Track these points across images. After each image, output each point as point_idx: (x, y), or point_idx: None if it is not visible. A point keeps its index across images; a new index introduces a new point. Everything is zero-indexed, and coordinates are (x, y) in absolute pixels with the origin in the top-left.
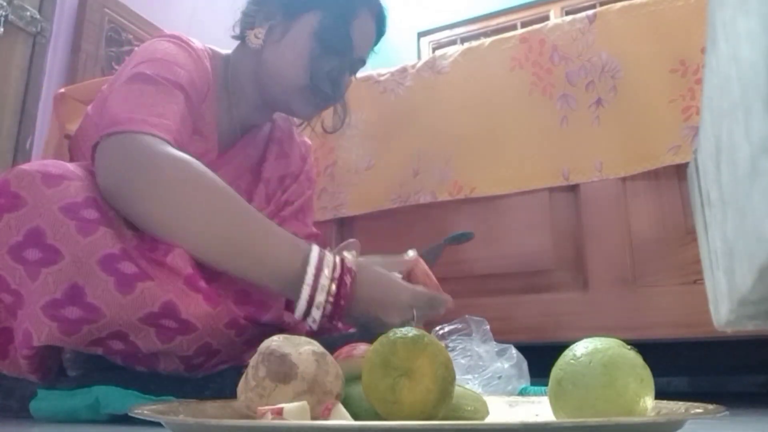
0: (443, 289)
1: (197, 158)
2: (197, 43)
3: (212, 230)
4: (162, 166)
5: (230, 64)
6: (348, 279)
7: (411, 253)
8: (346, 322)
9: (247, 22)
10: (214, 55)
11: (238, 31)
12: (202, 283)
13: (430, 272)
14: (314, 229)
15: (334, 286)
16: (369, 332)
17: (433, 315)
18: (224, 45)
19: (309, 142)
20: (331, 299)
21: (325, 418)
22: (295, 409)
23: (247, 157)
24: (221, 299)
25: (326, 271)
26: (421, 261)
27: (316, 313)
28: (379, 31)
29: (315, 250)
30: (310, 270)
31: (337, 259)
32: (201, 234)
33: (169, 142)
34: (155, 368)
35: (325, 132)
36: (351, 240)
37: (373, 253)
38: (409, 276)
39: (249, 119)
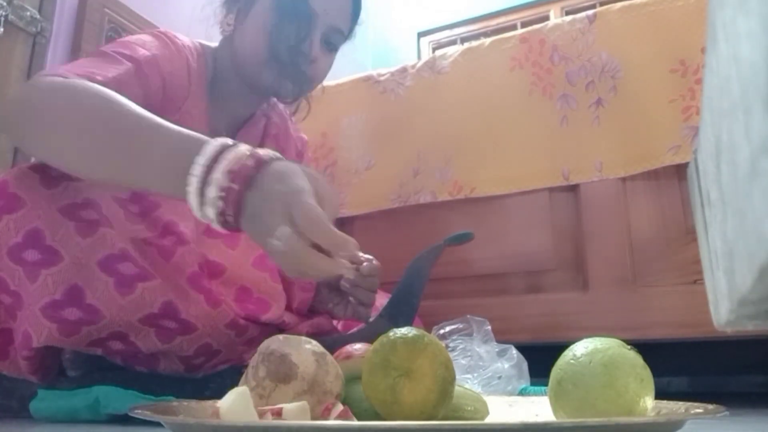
0: (443, 289)
1: None
2: (184, 39)
3: (86, 138)
4: (46, 91)
5: (217, 58)
6: (251, 161)
7: None
8: (241, 222)
9: (223, 11)
10: (203, 51)
11: (218, 23)
12: (205, 282)
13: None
14: None
15: (228, 178)
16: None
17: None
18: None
19: (305, 137)
20: (221, 203)
21: (325, 418)
22: (295, 409)
23: None
24: (222, 299)
25: (226, 159)
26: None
27: (209, 212)
28: (355, 3)
29: (216, 140)
30: (201, 161)
31: (246, 149)
32: (74, 144)
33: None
34: (155, 368)
35: (279, 101)
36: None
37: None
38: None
39: (239, 112)
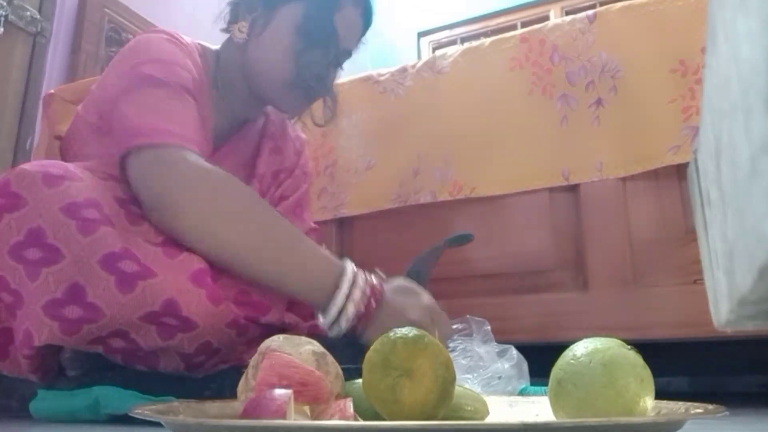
0: (443, 289)
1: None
2: (187, 39)
3: (252, 243)
4: (198, 180)
5: (220, 60)
6: (376, 298)
7: None
8: (366, 335)
9: (232, 15)
10: (204, 51)
11: (224, 24)
12: (209, 280)
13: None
14: (313, 224)
15: (362, 307)
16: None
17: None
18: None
19: (303, 136)
20: (356, 319)
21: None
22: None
23: (241, 153)
24: (223, 297)
25: (360, 283)
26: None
27: (344, 323)
28: (366, 21)
29: (349, 264)
30: (346, 281)
31: (369, 276)
32: (243, 248)
33: (195, 152)
34: (155, 367)
35: (315, 125)
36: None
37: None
38: None
39: (240, 114)
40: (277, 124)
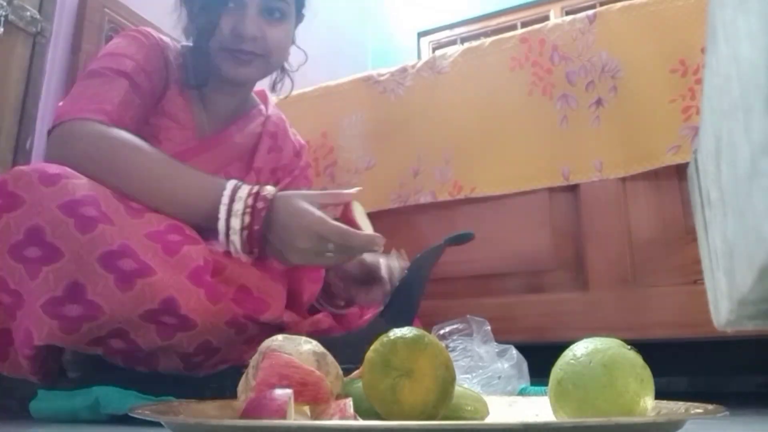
0: (443, 289)
1: (174, 144)
2: (162, 37)
3: (132, 182)
4: (90, 144)
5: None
6: (261, 204)
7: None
8: (265, 255)
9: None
10: (182, 50)
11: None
12: (208, 278)
13: (365, 217)
14: None
15: (247, 218)
16: (284, 263)
17: (350, 253)
18: None
19: (304, 143)
20: (245, 232)
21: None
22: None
23: (236, 146)
24: (222, 296)
25: (239, 202)
26: (359, 205)
27: (236, 240)
28: None
29: (231, 183)
30: (223, 202)
31: (253, 188)
32: (126, 187)
33: (102, 122)
34: (155, 368)
35: (272, 90)
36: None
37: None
38: (343, 216)
39: (226, 104)
40: (278, 126)
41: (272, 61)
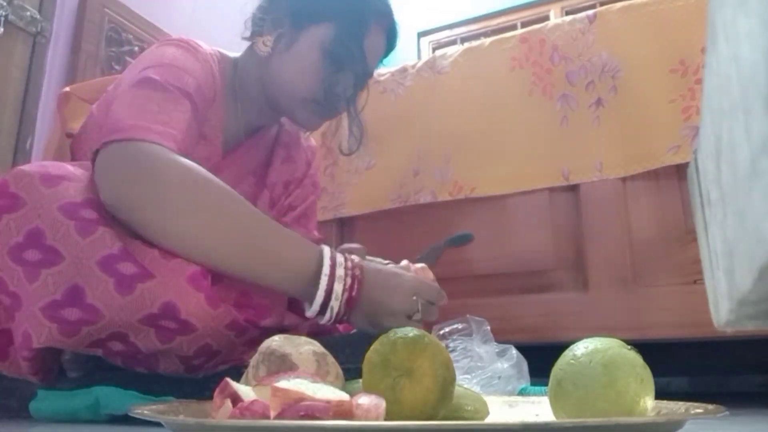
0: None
1: (201, 162)
2: (205, 47)
3: (223, 236)
4: (166, 173)
5: (238, 68)
6: (359, 274)
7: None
8: (351, 321)
9: (256, 27)
10: (222, 59)
11: (248, 34)
12: (206, 282)
13: (433, 278)
14: (317, 234)
15: (348, 281)
16: (374, 326)
17: (435, 309)
18: (224, 45)
19: (314, 145)
20: (345, 295)
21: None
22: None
23: (252, 160)
24: (222, 300)
25: (340, 268)
26: (428, 269)
27: (333, 310)
28: (389, 45)
29: (327, 248)
30: (326, 267)
31: (348, 256)
32: (212, 241)
33: (172, 150)
34: (155, 370)
35: (342, 153)
36: (356, 246)
37: (372, 253)
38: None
39: (254, 121)
40: (291, 134)
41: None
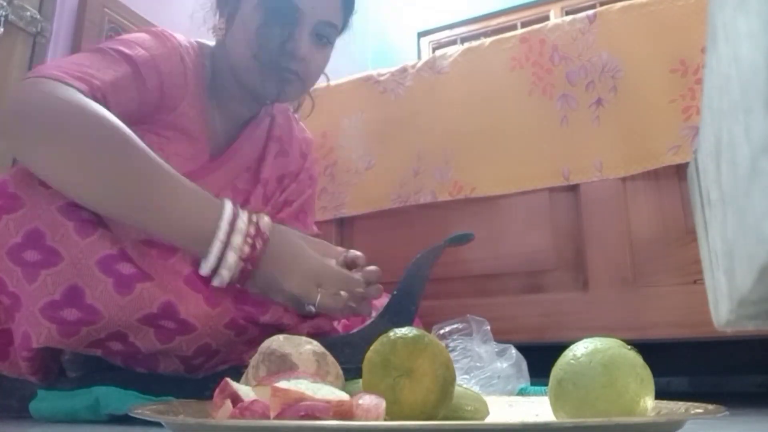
0: (443, 289)
1: (183, 160)
2: (180, 38)
3: (102, 175)
4: (54, 104)
5: (214, 59)
6: (260, 242)
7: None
8: (248, 284)
9: (212, 15)
10: (200, 51)
11: (210, 25)
12: (203, 283)
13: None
14: (315, 229)
15: (246, 247)
16: (267, 296)
17: (365, 303)
18: None
19: (310, 137)
20: (246, 250)
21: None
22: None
23: (244, 156)
24: (221, 300)
25: (241, 221)
26: (360, 258)
27: (225, 274)
28: None
29: (228, 206)
30: (223, 226)
31: (252, 217)
32: (89, 179)
33: (82, 92)
34: (155, 369)
35: (281, 102)
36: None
37: (372, 253)
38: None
39: (239, 114)
40: (283, 127)
41: (307, 86)
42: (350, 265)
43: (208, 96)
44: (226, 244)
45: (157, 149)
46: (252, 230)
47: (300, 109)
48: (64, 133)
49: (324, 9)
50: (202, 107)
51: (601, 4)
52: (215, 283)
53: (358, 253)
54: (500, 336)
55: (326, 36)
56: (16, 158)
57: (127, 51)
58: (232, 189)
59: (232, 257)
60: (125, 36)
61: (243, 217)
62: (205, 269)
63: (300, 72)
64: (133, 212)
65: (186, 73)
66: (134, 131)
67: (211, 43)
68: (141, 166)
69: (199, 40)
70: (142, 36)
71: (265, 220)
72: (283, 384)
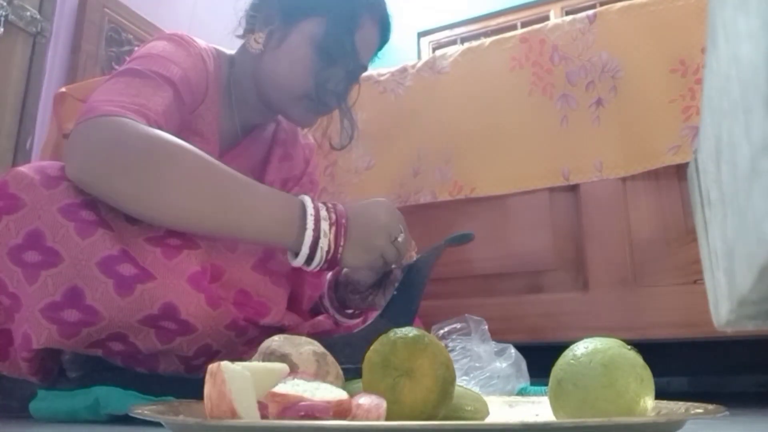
0: (443, 289)
1: None
2: (200, 42)
3: (195, 195)
4: (132, 141)
5: (233, 66)
6: (343, 221)
7: None
8: (343, 259)
9: (249, 24)
10: (218, 55)
11: (241, 32)
12: (205, 283)
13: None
14: None
15: (333, 230)
16: (366, 268)
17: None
18: (224, 45)
19: (313, 142)
20: (333, 231)
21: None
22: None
23: (250, 158)
24: (222, 301)
25: (324, 215)
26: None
27: (319, 258)
28: (383, 37)
29: (308, 200)
30: (310, 216)
31: (329, 205)
32: (184, 202)
33: (142, 122)
34: (155, 370)
35: (332, 148)
36: None
37: None
38: None
39: (250, 120)
40: (288, 131)
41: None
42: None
43: (223, 101)
44: (318, 233)
45: None
46: (333, 216)
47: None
48: (154, 168)
49: (367, 55)
50: (217, 111)
51: (601, 4)
52: (311, 266)
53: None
54: (500, 336)
55: (358, 76)
56: (105, 198)
57: (166, 73)
58: None
59: (324, 243)
60: (153, 50)
61: (323, 208)
62: (299, 260)
63: (332, 106)
64: (228, 225)
65: (207, 77)
66: None
67: (226, 50)
68: (225, 181)
69: (216, 46)
70: (168, 48)
71: (340, 206)
72: (280, 388)
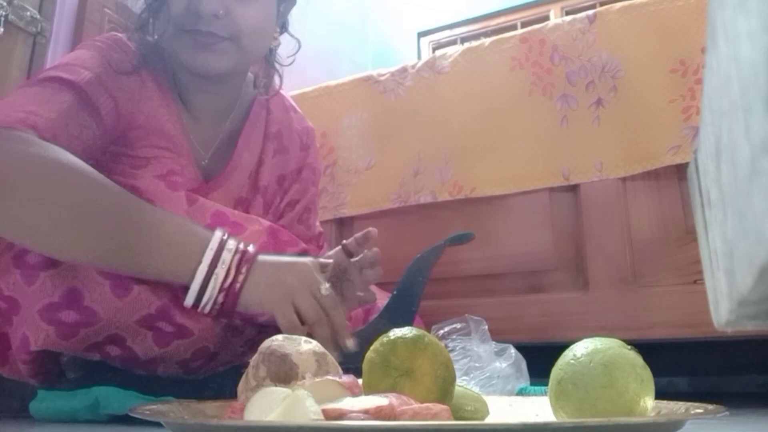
0: (443, 289)
1: (177, 188)
2: (125, 39)
3: (74, 226)
4: (11, 165)
5: (165, 56)
6: (252, 251)
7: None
8: (241, 300)
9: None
10: (155, 49)
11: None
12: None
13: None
14: (319, 228)
15: (235, 258)
16: (269, 313)
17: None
18: None
19: (311, 127)
20: (231, 270)
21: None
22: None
23: (245, 168)
24: None
25: (230, 246)
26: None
27: (207, 305)
28: None
29: (215, 238)
30: (210, 250)
31: (240, 246)
32: (59, 231)
33: (35, 135)
34: (154, 373)
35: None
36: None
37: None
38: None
39: (215, 107)
40: (281, 121)
41: (244, 46)
42: (353, 251)
43: (174, 96)
44: (208, 276)
45: (148, 173)
46: (240, 247)
47: (263, 83)
48: (15, 193)
49: None
50: (172, 108)
51: (601, 4)
52: (203, 304)
53: (359, 234)
54: (500, 336)
55: None
56: None
57: (67, 77)
58: (235, 201)
59: (221, 270)
60: (65, 58)
61: (230, 246)
62: (188, 301)
63: (220, 32)
64: (119, 263)
65: (141, 74)
66: (107, 159)
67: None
68: (112, 205)
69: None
70: (82, 54)
71: (250, 249)
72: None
